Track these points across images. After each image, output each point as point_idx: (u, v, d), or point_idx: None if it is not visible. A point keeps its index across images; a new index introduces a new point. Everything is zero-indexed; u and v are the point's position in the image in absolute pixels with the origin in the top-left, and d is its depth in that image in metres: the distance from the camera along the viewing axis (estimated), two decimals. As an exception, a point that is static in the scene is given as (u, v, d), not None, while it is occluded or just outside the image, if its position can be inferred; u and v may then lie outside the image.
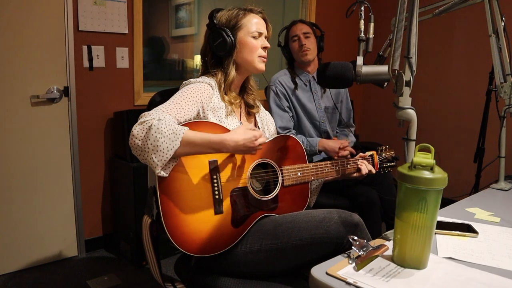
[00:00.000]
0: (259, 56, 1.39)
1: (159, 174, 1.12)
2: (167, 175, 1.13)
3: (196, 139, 1.14)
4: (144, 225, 1.25)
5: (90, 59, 2.43)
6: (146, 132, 1.09)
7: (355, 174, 1.56)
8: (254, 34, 1.37)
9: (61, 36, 2.32)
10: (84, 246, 2.57)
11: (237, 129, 1.22)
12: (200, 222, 1.18)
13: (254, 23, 1.37)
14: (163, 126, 1.10)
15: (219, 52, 1.36)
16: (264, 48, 1.40)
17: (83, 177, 2.52)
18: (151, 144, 1.09)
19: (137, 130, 1.10)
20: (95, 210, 2.63)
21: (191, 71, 3.00)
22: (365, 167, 1.55)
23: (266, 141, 1.31)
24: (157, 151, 1.09)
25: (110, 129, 2.60)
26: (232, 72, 1.37)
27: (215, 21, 1.36)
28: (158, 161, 1.10)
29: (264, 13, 1.42)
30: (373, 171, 1.58)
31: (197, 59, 3.01)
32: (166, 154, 1.10)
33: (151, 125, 1.09)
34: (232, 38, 1.35)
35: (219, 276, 1.25)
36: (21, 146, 2.28)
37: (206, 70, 1.42)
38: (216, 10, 1.39)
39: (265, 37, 1.41)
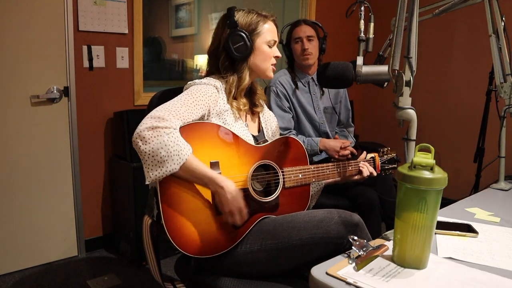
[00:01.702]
0: (272, 65, 1.41)
1: (146, 183, 1.14)
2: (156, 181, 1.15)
3: (195, 169, 1.15)
4: (144, 225, 1.25)
5: (90, 59, 2.43)
6: (154, 144, 1.09)
7: (356, 177, 1.55)
8: (270, 43, 1.38)
9: (61, 36, 2.32)
10: (84, 246, 2.57)
11: (236, 188, 1.19)
12: (201, 223, 1.18)
13: (270, 32, 1.38)
14: (171, 144, 1.10)
15: (236, 55, 1.33)
16: (276, 57, 1.41)
17: (83, 177, 2.52)
18: (154, 158, 1.10)
19: (146, 134, 1.10)
20: (95, 210, 2.63)
21: (191, 71, 3.00)
22: (367, 170, 1.54)
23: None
24: (155, 166, 1.11)
25: (110, 129, 2.60)
26: (247, 77, 1.37)
27: (236, 20, 1.34)
28: (152, 175, 1.11)
29: (276, 21, 1.43)
30: (374, 173, 1.57)
31: (197, 59, 3.01)
32: (163, 173, 1.11)
33: (162, 137, 1.10)
34: (251, 43, 1.34)
35: (219, 276, 1.25)
36: (21, 146, 2.28)
37: (215, 70, 1.39)
38: (233, 9, 1.36)
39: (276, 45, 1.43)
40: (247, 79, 1.37)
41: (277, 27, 1.43)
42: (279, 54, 1.42)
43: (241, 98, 1.39)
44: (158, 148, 1.09)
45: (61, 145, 2.42)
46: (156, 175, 1.11)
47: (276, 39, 1.41)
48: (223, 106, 1.33)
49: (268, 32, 1.38)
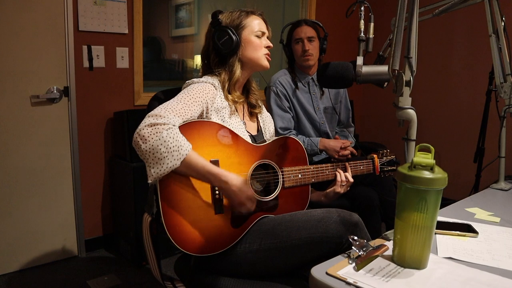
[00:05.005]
0: (264, 54, 1.41)
1: (149, 182, 1.14)
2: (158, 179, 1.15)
3: (197, 165, 1.15)
4: (144, 224, 1.25)
5: (90, 59, 2.43)
6: (154, 140, 1.10)
7: (335, 189, 1.48)
8: (258, 34, 1.39)
9: (61, 36, 2.32)
10: (84, 246, 2.57)
11: (240, 178, 1.20)
12: (200, 222, 1.18)
13: (256, 24, 1.40)
14: (171, 140, 1.11)
15: (224, 50, 1.36)
16: (267, 47, 1.42)
17: (83, 177, 2.52)
18: (154, 155, 1.11)
19: (145, 132, 1.11)
20: (95, 210, 2.63)
21: (191, 71, 3.00)
22: (340, 175, 1.48)
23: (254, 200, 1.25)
24: (156, 163, 1.11)
25: (110, 129, 2.60)
26: (238, 70, 1.38)
27: (219, 19, 1.38)
28: (154, 172, 1.12)
29: (264, 15, 1.45)
30: (351, 180, 1.50)
31: (197, 59, 3.01)
32: (164, 170, 1.12)
33: (160, 133, 1.10)
34: (237, 37, 1.36)
35: (218, 276, 1.25)
36: (21, 146, 2.28)
37: (209, 70, 1.42)
38: (218, 11, 1.40)
39: (267, 37, 1.43)
40: (237, 72, 1.38)
41: (265, 22, 1.44)
42: (270, 44, 1.42)
43: (235, 92, 1.40)
44: (158, 144, 1.10)
45: (61, 145, 2.41)
46: (157, 172, 1.11)
47: (265, 30, 1.42)
48: (221, 103, 1.34)
49: (254, 24, 1.39)
